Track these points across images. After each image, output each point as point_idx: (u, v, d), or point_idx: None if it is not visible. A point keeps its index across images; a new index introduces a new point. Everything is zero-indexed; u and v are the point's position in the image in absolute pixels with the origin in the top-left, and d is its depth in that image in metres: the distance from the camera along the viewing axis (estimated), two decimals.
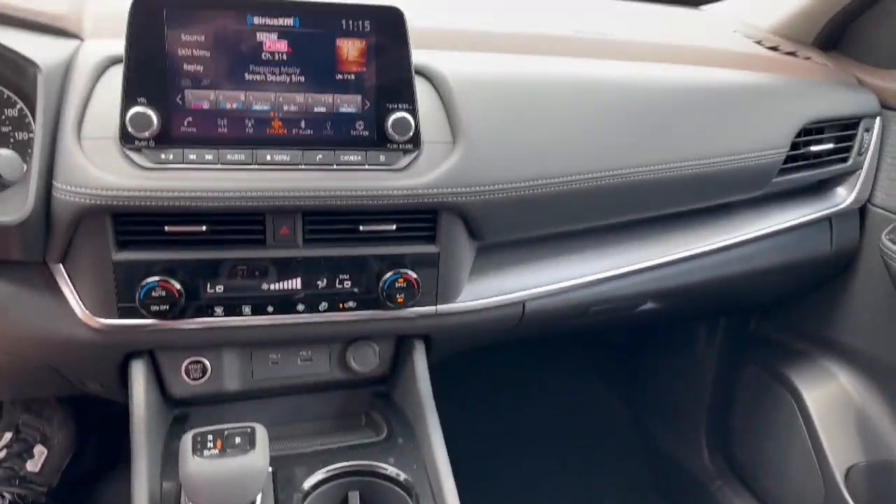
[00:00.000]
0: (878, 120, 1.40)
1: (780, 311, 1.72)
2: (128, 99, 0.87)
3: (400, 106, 0.95)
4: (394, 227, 0.99)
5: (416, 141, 0.97)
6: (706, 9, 1.71)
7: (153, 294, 0.92)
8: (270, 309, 0.98)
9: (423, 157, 0.98)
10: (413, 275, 1.00)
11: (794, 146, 1.29)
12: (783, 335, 1.72)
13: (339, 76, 0.93)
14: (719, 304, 1.67)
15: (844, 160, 1.39)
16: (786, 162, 1.29)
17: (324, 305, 1.00)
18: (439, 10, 1.28)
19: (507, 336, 1.25)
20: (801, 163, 1.34)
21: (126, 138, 0.87)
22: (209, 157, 0.90)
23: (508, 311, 1.15)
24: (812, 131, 1.33)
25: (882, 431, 1.48)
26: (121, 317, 0.94)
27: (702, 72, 1.26)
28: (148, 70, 0.87)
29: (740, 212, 1.34)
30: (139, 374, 1.01)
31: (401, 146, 0.96)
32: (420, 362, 1.11)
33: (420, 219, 1.00)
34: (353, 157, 0.95)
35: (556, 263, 1.19)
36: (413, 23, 0.95)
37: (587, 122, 1.10)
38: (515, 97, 1.08)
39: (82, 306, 0.94)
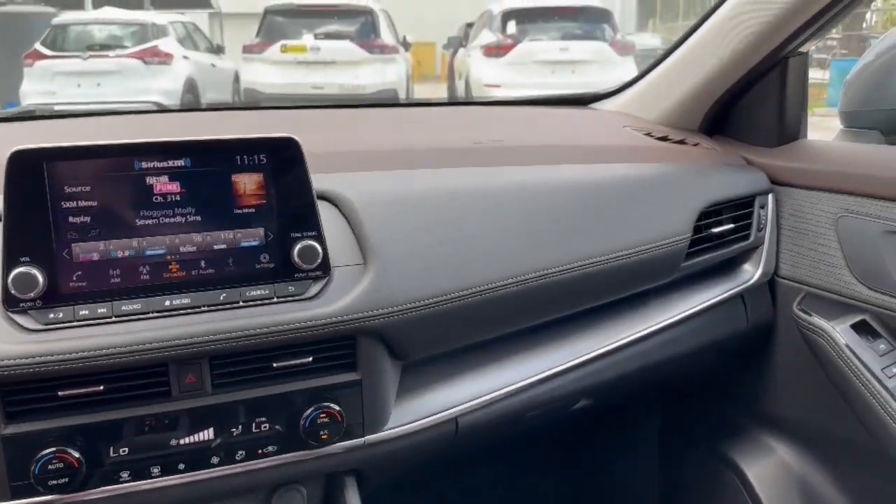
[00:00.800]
0: (770, 196, 1.46)
1: (714, 389, 1.72)
2: (9, 260, 0.81)
3: (305, 234, 0.93)
4: (310, 358, 0.95)
5: (325, 267, 0.94)
6: (595, 107, 1.78)
7: (49, 467, 0.83)
8: (182, 466, 0.90)
9: (335, 283, 0.95)
10: (336, 407, 0.95)
11: (697, 230, 1.33)
12: (720, 411, 1.72)
13: (238, 211, 0.90)
14: (652, 389, 1.66)
15: (746, 237, 1.43)
16: (691, 246, 1.32)
17: (241, 454, 0.93)
18: (335, 134, 1.28)
19: (443, 455, 1.19)
20: (705, 245, 1.37)
21: (9, 302, 0.81)
22: (102, 310, 0.84)
23: (441, 430, 1.10)
24: (711, 214, 1.37)
25: (826, 501, 1.47)
26: (14, 497, 0.84)
27: (598, 169, 1.30)
28: (30, 227, 0.82)
29: (657, 299, 1.35)
30: None
31: (309, 274, 0.93)
32: (353, 501, 1.04)
33: (337, 346, 0.96)
34: (260, 291, 0.91)
35: (485, 373, 1.15)
36: (310, 148, 0.93)
37: (496, 229, 1.10)
38: (422, 212, 1.07)
39: None
